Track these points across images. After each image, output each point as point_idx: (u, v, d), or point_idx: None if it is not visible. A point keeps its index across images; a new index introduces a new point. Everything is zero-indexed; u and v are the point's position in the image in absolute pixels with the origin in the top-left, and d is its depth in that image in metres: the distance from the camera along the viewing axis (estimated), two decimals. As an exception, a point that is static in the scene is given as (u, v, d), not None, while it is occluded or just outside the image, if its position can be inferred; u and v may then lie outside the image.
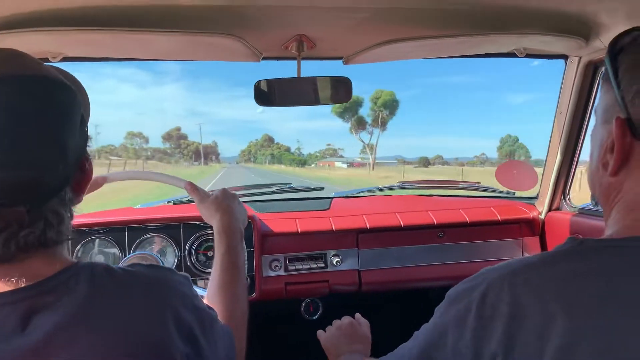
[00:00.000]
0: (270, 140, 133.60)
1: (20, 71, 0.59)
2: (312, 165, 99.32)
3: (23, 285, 0.57)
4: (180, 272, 0.74)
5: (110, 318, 0.58)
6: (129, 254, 1.63)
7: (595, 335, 0.52)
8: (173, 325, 0.63)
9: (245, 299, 1.04)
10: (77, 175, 0.66)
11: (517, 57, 1.58)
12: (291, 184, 2.19)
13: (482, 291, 0.63)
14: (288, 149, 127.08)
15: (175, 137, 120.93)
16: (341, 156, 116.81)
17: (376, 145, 72.05)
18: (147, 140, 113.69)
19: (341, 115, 66.68)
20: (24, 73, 0.59)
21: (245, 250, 1.21)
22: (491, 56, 1.64)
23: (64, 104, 0.62)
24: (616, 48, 0.65)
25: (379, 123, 68.50)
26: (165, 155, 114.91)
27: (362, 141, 70.44)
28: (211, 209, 1.16)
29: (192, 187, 1.25)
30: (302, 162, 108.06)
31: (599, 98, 0.70)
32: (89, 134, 0.68)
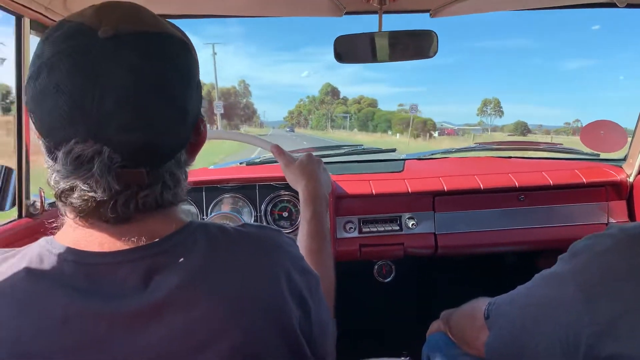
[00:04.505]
0: (334, 93, 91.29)
1: (143, 28, 0.56)
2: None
3: (142, 244, 0.56)
4: (286, 234, 0.72)
5: (227, 280, 0.57)
6: (206, 213, 1.66)
7: None
8: (286, 287, 0.61)
9: (332, 268, 1.01)
10: (193, 138, 0.65)
11: (617, 7, 1.45)
12: (362, 145, 2.15)
13: (604, 249, 0.60)
14: (374, 103, 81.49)
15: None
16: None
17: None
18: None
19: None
20: (147, 30, 0.56)
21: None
22: (587, 7, 1.52)
23: (185, 65, 0.60)
24: None
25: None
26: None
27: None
28: (296, 173, 1.15)
29: (279, 150, 1.24)
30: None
31: None
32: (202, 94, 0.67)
